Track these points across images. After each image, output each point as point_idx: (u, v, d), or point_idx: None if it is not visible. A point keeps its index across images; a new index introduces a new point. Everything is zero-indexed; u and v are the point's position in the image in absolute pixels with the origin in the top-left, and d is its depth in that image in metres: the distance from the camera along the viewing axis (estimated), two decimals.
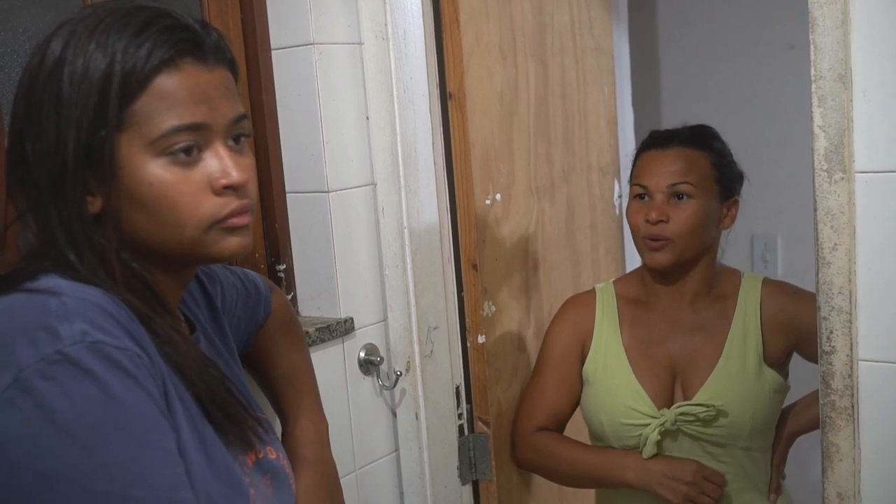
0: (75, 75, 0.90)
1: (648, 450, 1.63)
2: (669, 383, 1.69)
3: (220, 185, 0.94)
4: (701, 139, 1.69)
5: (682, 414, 1.63)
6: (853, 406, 1.20)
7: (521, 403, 1.87)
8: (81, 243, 0.92)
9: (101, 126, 0.90)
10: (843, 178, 1.17)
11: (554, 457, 1.77)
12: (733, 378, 1.65)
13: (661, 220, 1.63)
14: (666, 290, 1.73)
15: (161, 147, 0.91)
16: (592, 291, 1.83)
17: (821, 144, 1.18)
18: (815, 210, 1.20)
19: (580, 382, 1.78)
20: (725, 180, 1.69)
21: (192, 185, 0.93)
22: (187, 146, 0.92)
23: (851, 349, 1.20)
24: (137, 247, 0.96)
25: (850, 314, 1.19)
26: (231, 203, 0.95)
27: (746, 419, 1.63)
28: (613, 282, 1.84)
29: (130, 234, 0.95)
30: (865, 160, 1.16)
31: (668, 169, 1.65)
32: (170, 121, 0.91)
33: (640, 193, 1.68)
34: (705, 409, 1.61)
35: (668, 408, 1.65)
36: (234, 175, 0.95)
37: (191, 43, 0.93)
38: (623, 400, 1.68)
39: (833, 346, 1.21)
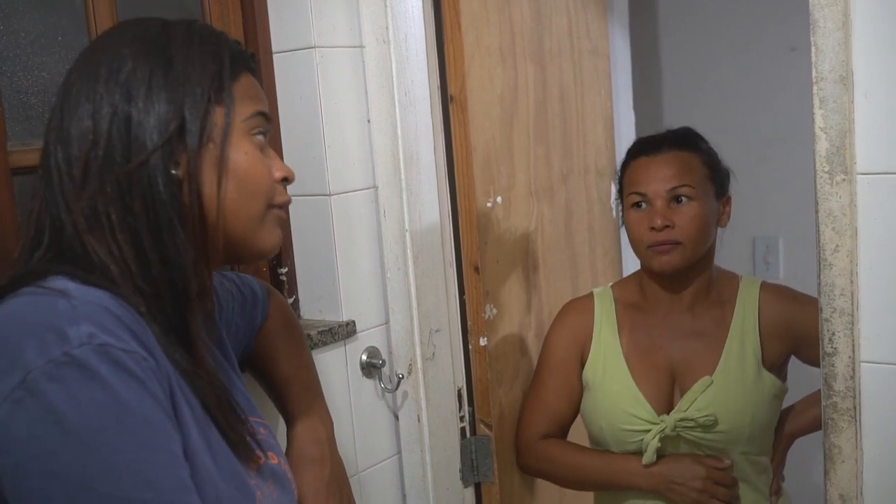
0: (191, 55, 0.98)
1: (649, 456, 1.63)
2: (669, 389, 1.69)
3: (279, 176, 1.04)
4: (690, 141, 1.70)
5: (681, 420, 1.63)
6: (855, 408, 1.20)
7: (522, 410, 1.87)
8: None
9: (219, 97, 0.99)
10: (844, 180, 1.17)
11: (559, 463, 1.77)
12: (732, 383, 1.65)
13: (667, 226, 1.62)
14: (665, 295, 1.73)
15: (249, 126, 1.02)
16: (591, 296, 1.82)
17: (822, 146, 1.18)
18: (817, 212, 1.20)
19: (580, 387, 1.78)
20: (718, 178, 1.70)
21: (265, 165, 1.03)
22: (266, 129, 1.04)
23: (853, 351, 1.19)
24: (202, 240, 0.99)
25: (852, 316, 1.19)
26: (285, 194, 1.06)
27: (745, 424, 1.63)
28: (611, 286, 1.83)
29: (204, 213, 0.98)
30: (867, 162, 1.16)
31: (664, 173, 1.65)
32: (256, 105, 1.03)
33: (637, 202, 1.67)
34: (705, 414, 1.62)
35: (668, 414, 1.66)
36: (291, 171, 1.06)
37: (252, 60, 1.07)
38: (623, 406, 1.68)
39: (835, 348, 1.21)
